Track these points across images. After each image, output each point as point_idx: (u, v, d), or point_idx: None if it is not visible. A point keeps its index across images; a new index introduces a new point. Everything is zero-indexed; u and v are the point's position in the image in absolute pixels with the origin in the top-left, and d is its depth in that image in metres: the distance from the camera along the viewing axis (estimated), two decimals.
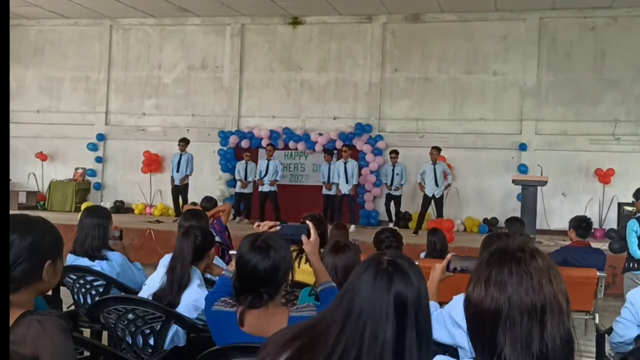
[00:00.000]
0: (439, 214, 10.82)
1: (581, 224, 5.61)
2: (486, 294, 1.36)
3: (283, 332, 1.60)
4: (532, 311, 1.32)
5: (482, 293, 1.36)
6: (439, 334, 2.62)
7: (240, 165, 12.34)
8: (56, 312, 1.86)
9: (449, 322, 2.64)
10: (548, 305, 1.32)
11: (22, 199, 13.65)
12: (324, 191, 11.69)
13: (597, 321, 4.93)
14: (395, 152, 11.62)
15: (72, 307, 4.02)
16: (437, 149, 10.85)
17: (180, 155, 11.82)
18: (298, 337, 1.54)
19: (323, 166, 11.93)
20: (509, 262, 1.37)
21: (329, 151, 12.06)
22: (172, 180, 11.87)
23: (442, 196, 10.91)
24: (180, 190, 11.80)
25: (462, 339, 2.50)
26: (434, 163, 10.81)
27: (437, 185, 10.73)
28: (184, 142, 11.84)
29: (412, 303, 1.50)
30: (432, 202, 10.83)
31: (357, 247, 3.42)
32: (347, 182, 11.26)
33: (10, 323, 1.64)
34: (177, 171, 11.80)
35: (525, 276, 1.34)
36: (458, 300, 2.59)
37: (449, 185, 11.10)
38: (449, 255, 2.86)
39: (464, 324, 2.38)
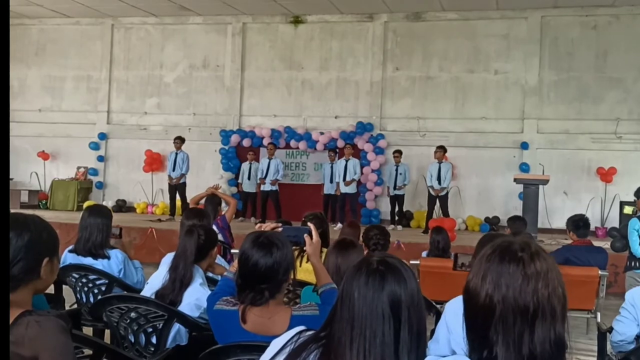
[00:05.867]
0: (444, 212, 10.82)
1: (579, 224, 5.55)
2: (481, 289, 1.36)
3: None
4: (524, 313, 1.32)
5: (478, 288, 1.37)
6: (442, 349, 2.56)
7: (244, 166, 12.38)
8: (55, 312, 1.84)
9: (443, 331, 2.56)
10: (540, 309, 1.32)
11: (24, 198, 13.70)
12: (325, 190, 11.72)
13: (598, 320, 4.92)
14: (398, 152, 11.62)
15: (75, 306, 4.03)
16: (442, 148, 10.90)
17: (176, 153, 11.76)
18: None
19: (325, 165, 11.95)
20: (508, 262, 1.37)
21: (333, 150, 12.07)
22: (170, 178, 11.80)
23: (446, 194, 10.92)
24: (178, 189, 11.73)
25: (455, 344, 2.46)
26: (440, 162, 10.84)
27: (440, 183, 10.76)
28: (180, 141, 11.82)
29: (406, 300, 1.50)
30: (437, 200, 10.84)
31: (361, 247, 3.40)
32: (344, 180, 11.31)
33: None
34: (174, 170, 11.72)
35: (522, 278, 1.34)
36: (452, 305, 2.56)
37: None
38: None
39: (455, 329, 2.36)
